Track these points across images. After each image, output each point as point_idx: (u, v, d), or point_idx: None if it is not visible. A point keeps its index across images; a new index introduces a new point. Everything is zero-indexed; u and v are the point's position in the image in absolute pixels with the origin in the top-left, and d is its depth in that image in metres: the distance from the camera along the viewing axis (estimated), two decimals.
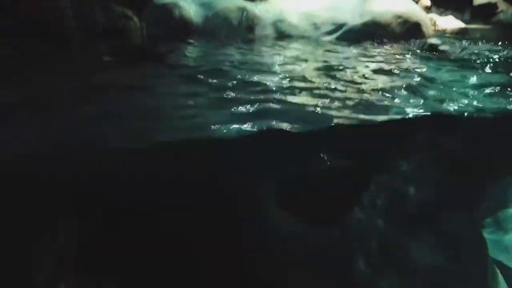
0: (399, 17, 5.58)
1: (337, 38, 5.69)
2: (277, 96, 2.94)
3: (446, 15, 8.56)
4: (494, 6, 9.97)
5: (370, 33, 5.55)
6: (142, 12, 5.78)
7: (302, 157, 2.91)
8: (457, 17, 8.48)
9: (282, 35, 5.81)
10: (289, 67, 3.99)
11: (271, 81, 3.31)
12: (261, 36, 5.79)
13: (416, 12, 5.77)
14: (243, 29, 5.78)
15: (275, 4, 6.17)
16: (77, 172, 2.20)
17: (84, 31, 4.90)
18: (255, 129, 2.43)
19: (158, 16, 5.70)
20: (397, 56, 4.53)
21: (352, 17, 5.70)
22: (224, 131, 2.40)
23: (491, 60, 4.32)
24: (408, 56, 4.58)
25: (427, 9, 8.89)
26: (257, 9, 5.91)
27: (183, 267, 2.59)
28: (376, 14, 5.57)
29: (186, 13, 5.67)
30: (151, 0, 5.79)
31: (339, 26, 5.73)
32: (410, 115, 2.72)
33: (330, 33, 5.76)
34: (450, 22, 7.89)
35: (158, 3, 5.72)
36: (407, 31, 5.59)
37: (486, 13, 9.79)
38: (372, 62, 4.19)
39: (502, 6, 9.92)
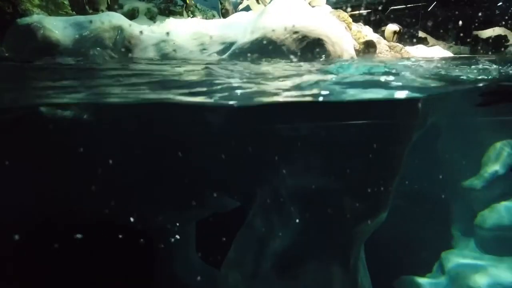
0: (295, 32, 4.66)
1: (226, 59, 4.80)
2: None
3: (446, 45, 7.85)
4: (503, 38, 9.46)
5: (262, 51, 4.63)
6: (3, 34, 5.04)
7: None
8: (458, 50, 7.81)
9: (166, 57, 4.97)
10: None
11: None
12: (141, 58, 4.96)
13: (322, 27, 4.83)
14: (119, 51, 4.97)
15: (167, 24, 5.38)
16: None
17: None
18: None
19: (19, 38, 4.96)
20: None
21: (243, 35, 4.81)
22: None
23: None
24: None
25: (396, 35, 8.03)
26: (138, 29, 5.11)
27: None
28: (268, 29, 4.67)
29: (52, 34, 4.90)
30: (14, 20, 5.09)
31: (229, 45, 4.85)
32: None
33: (218, 53, 4.87)
34: (424, 51, 6.80)
35: (22, 24, 4.99)
36: (305, 49, 4.65)
37: (494, 45, 9.26)
38: None
39: None
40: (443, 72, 4.26)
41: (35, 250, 6.10)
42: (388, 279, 7.38)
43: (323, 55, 4.74)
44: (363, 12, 9.39)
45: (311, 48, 4.68)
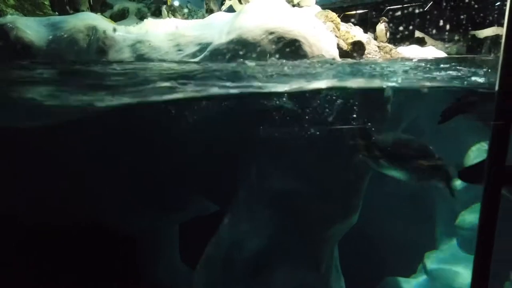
0: (271, 33, 4.61)
1: (202, 60, 4.74)
2: None
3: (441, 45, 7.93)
4: (501, 38, 9.45)
5: (238, 52, 4.57)
6: None
7: None
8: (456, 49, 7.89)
9: (141, 58, 4.90)
10: None
11: None
12: (116, 60, 4.89)
13: (299, 28, 4.77)
14: (93, 52, 4.89)
15: (144, 25, 5.33)
16: None
17: None
18: None
19: None
20: None
21: (219, 35, 4.76)
22: None
23: None
24: None
25: (387, 32, 8.00)
26: (115, 29, 5.04)
27: None
28: (244, 30, 4.61)
29: (25, 34, 4.82)
30: None
31: (205, 46, 4.79)
32: None
33: (194, 54, 4.81)
34: (417, 52, 6.70)
35: None
36: (282, 50, 4.60)
37: (492, 45, 9.28)
38: None
39: None
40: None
41: (16, 254, 6.02)
42: (373, 280, 7.36)
43: (300, 56, 4.69)
44: (359, 12, 9.36)
45: (288, 49, 4.63)
